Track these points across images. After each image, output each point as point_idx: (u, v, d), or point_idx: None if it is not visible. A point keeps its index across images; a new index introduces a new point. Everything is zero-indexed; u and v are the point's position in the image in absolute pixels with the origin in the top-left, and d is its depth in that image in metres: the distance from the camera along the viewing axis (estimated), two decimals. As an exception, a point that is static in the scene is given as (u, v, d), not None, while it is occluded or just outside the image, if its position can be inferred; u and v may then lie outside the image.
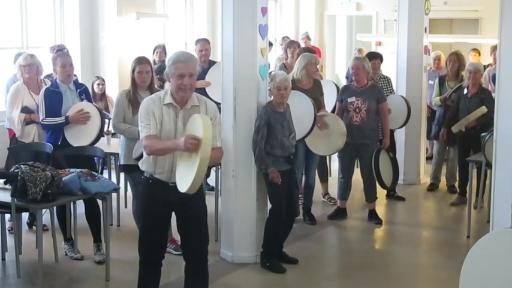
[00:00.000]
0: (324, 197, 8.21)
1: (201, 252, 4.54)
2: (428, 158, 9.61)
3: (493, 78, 8.58)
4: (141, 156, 5.62)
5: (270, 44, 10.12)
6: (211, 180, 7.62)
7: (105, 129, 6.91)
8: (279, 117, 5.92)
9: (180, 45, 12.63)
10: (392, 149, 7.95)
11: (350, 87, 7.52)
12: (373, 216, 7.45)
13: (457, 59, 8.70)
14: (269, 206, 6.05)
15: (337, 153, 7.39)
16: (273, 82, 5.93)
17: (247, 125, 5.96)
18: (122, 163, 6.06)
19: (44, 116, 6.12)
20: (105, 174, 7.08)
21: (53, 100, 6.13)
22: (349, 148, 7.16)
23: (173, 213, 4.56)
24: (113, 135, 7.65)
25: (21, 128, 6.72)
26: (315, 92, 7.11)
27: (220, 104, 5.92)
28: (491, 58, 10.58)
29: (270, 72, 6.59)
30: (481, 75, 8.11)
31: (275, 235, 6.00)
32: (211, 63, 8.18)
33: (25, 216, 6.73)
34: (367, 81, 7.39)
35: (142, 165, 4.51)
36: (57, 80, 6.24)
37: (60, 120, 6.11)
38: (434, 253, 6.73)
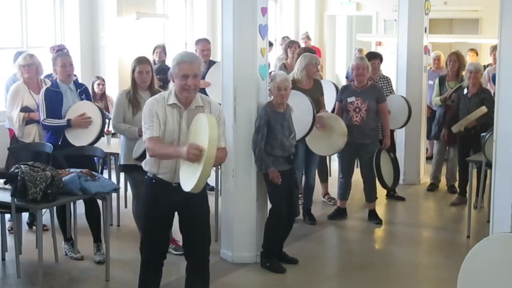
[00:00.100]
0: (324, 197, 8.21)
1: (203, 253, 4.55)
2: (428, 158, 9.62)
3: (493, 78, 8.57)
4: (141, 156, 5.64)
5: (270, 44, 10.12)
6: (211, 180, 7.58)
7: (105, 129, 6.91)
8: (279, 118, 5.92)
9: (180, 45, 12.62)
10: (392, 149, 7.95)
11: (350, 87, 7.52)
12: (373, 216, 7.45)
13: (457, 59, 8.70)
14: (269, 206, 6.05)
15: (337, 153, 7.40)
16: (273, 82, 5.93)
17: (247, 125, 5.96)
18: (122, 163, 6.06)
19: (45, 116, 6.12)
20: (105, 174, 7.08)
21: (53, 100, 6.13)
22: (349, 148, 7.16)
23: (175, 213, 4.57)
24: (113, 135, 7.65)
25: (19, 127, 6.72)
26: (315, 92, 7.11)
27: (220, 104, 5.92)
28: (491, 58, 10.58)
29: (270, 72, 6.59)
30: (481, 75, 8.11)
31: (275, 235, 6.00)
32: (211, 63, 8.17)
33: (25, 216, 6.73)
34: (366, 81, 7.40)
35: (145, 165, 4.50)
36: (58, 80, 6.24)
37: (61, 122, 6.11)
38: (434, 253, 6.73)
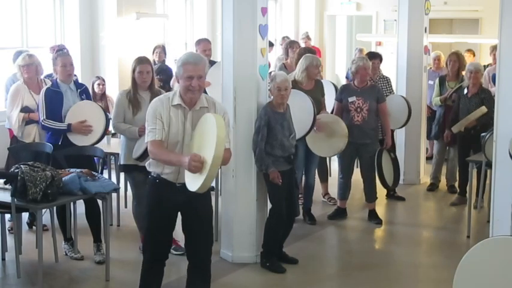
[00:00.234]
0: (324, 197, 8.21)
1: (205, 253, 4.55)
2: (428, 158, 9.62)
3: (493, 78, 8.58)
4: (141, 156, 5.65)
5: (270, 44, 10.12)
6: (211, 181, 7.61)
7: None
8: (279, 118, 5.92)
9: (180, 45, 12.64)
10: (392, 149, 7.95)
11: (350, 86, 7.51)
12: (373, 216, 7.45)
13: (457, 59, 8.70)
14: (269, 206, 6.05)
15: (337, 153, 7.40)
16: (273, 82, 5.93)
17: (247, 125, 5.96)
18: (122, 163, 6.06)
19: (45, 116, 6.11)
20: (105, 174, 7.08)
21: (54, 100, 6.13)
22: (349, 148, 7.15)
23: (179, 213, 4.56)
24: (113, 135, 7.64)
25: (18, 127, 6.71)
26: (316, 93, 7.10)
27: (221, 104, 5.92)
28: (490, 58, 10.58)
29: (270, 73, 6.59)
30: (481, 75, 8.11)
31: (275, 235, 6.00)
32: (212, 63, 8.16)
33: (25, 216, 6.73)
34: (366, 81, 7.40)
35: (149, 166, 4.49)
36: (58, 80, 6.23)
37: (62, 126, 6.09)
38: (434, 253, 6.73)
